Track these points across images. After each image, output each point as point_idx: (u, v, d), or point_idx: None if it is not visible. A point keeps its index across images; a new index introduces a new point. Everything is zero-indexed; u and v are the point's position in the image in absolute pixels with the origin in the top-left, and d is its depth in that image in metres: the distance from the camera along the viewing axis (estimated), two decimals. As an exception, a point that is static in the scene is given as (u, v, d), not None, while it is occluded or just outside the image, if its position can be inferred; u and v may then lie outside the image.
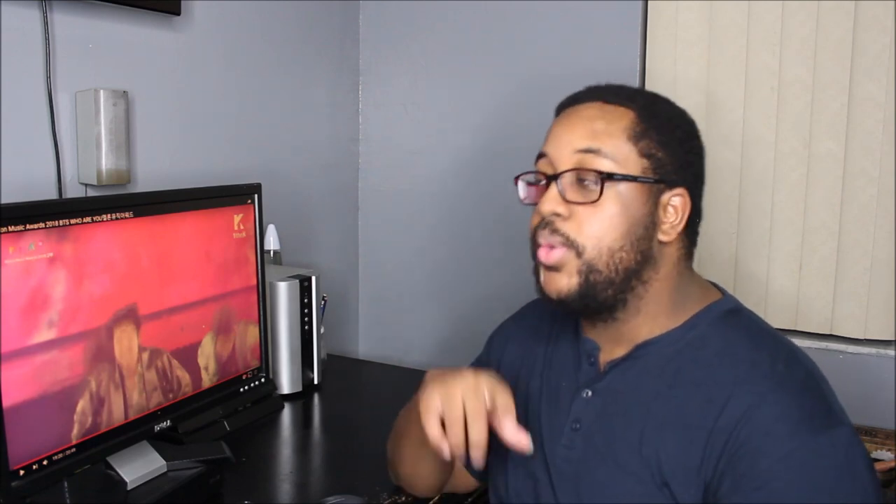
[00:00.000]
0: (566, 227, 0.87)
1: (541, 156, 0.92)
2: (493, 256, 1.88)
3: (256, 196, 1.29)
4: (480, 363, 1.15)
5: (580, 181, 0.87)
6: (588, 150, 0.86)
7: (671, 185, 0.88)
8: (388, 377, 1.78)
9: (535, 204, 0.91)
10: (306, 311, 1.55)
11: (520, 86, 1.80)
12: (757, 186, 1.59)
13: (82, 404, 0.99)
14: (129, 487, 1.06)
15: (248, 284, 1.28)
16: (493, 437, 1.03)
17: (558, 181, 0.88)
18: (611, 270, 0.86)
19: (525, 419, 0.99)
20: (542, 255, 0.89)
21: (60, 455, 0.97)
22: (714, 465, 0.80)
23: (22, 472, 0.92)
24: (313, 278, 1.55)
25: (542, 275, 0.90)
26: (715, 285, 0.97)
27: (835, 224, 1.54)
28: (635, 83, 1.66)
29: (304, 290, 1.54)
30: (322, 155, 1.91)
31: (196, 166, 1.55)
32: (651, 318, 0.90)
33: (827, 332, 1.58)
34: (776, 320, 1.57)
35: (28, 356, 0.92)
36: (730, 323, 0.90)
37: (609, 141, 0.86)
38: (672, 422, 0.84)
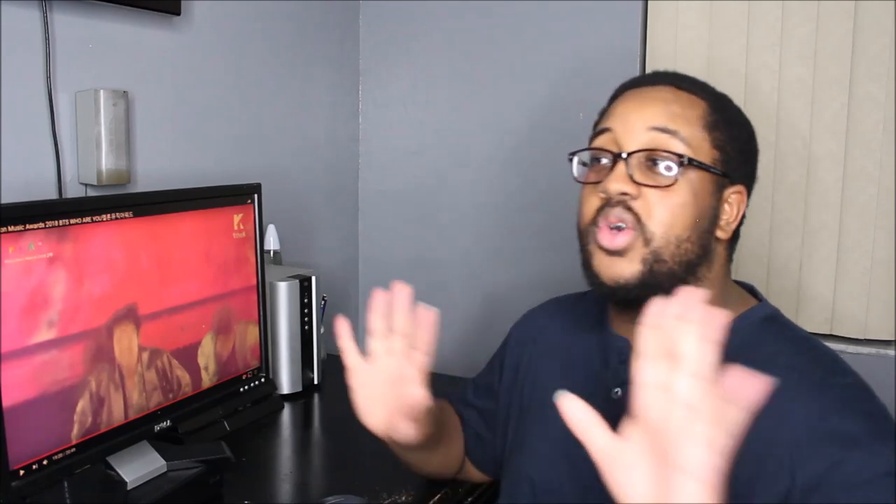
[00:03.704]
0: (638, 206, 0.82)
1: (601, 132, 0.87)
2: (493, 256, 1.88)
3: (256, 196, 1.28)
4: (499, 357, 1.12)
5: (651, 163, 0.83)
6: (664, 130, 0.83)
7: (733, 181, 0.87)
8: (388, 377, 1.77)
9: (591, 182, 0.87)
10: (306, 311, 1.55)
11: (520, 86, 1.80)
12: (757, 186, 1.58)
13: (82, 404, 0.99)
14: (129, 487, 1.06)
15: (248, 284, 1.28)
16: (514, 439, 1.03)
17: (628, 160, 0.83)
18: (675, 262, 0.83)
19: (545, 417, 0.96)
20: (605, 238, 0.84)
21: (60, 455, 0.97)
22: (787, 483, 0.76)
23: (22, 472, 0.92)
24: (313, 278, 1.55)
25: (599, 259, 0.85)
26: (749, 287, 0.94)
27: (835, 224, 1.54)
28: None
29: (304, 290, 1.54)
30: (322, 155, 1.91)
31: (196, 166, 1.55)
32: None
33: (827, 332, 1.58)
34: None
35: (28, 356, 0.92)
36: (770, 330, 0.88)
37: (686, 126, 0.84)
38: None
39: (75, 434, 0.99)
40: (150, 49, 1.45)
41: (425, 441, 0.97)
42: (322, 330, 1.62)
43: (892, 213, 1.49)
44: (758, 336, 0.87)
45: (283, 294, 1.50)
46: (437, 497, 1.14)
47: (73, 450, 0.98)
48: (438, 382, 1.66)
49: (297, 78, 1.81)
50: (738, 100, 1.58)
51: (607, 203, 0.84)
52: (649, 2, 1.66)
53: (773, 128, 1.57)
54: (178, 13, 1.44)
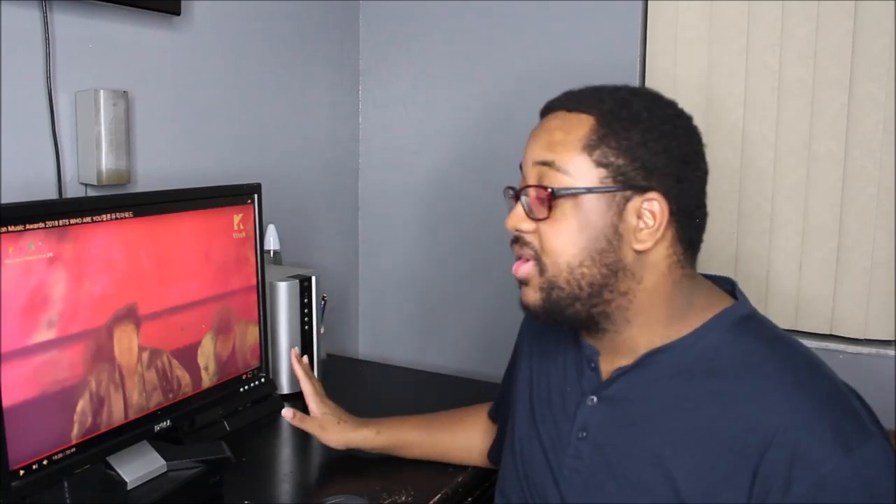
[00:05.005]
0: (535, 240, 0.87)
1: (520, 167, 0.92)
2: (492, 256, 1.88)
3: (256, 196, 1.28)
4: (515, 351, 1.16)
5: (538, 197, 0.86)
6: (544, 163, 0.86)
7: (641, 191, 0.83)
8: (388, 377, 1.78)
9: None
10: (306, 311, 1.55)
11: (520, 86, 1.80)
12: (757, 186, 1.60)
13: (82, 404, 0.99)
14: (129, 487, 1.06)
15: (248, 284, 1.28)
16: (510, 435, 1.03)
17: (522, 197, 0.88)
18: (573, 287, 0.85)
19: (532, 420, 0.98)
20: (514, 268, 0.91)
21: (60, 455, 0.97)
22: (747, 493, 0.77)
23: (22, 472, 0.92)
24: (313, 278, 1.55)
25: (521, 287, 0.92)
26: (731, 284, 0.93)
27: (835, 224, 1.54)
28: (635, 84, 1.66)
29: (304, 290, 1.54)
30: (322, 155, 1.91)
31: (196, 166, 1.55)
32: (647, 327, 0.87)
33: (827, 332, 1.58)
34: (776, 320, 1.55)
35: (28, 356, 0.92)
36: (744, 330, 0.86)
37: (563, 153, 0.85)
38: (690, 437, 0.81)
39: (75, 434, 0.99)
40: (150, 49, 1.45)
41: (384, 448, 1.21)
42: (322, 330, 1.62)
43: (892, 213, 1.49)
44: (730, 338, 0.85)
45: (283, 294, 1.50)
46: (437, 497, 1.14)
47: (73, 450, 0.98)
48: (447, 384, 1.68)
49: (297, 78, 1.81)
50: (738, 100, 1.61)
51: (513, 238, 0.90)
52: (649, 2, 1.66)
53: (773, 128, 1.57)
54: (178, 13, 1.44)
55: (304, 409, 1.51)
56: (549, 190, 0.85)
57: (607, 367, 0.91)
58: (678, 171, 0.84)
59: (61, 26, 1.28)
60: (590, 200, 0.84)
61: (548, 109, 0.91)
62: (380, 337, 2.06)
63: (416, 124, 1.94)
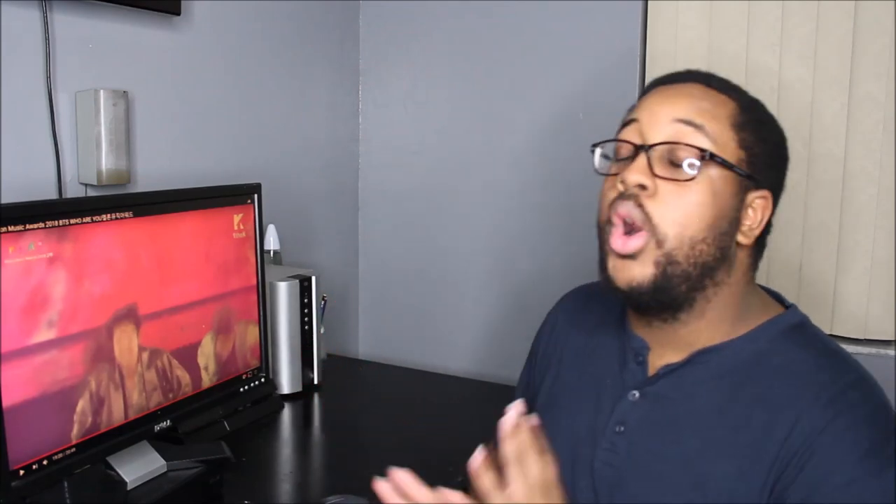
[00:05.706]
0: (650, 205, 0.80)
1: (628, 122, 0.86)
2: (493, 257, 1.88)
3: (256, 196, 1.29)
4: (534, 346, 1.09)
5: (672, 157, 0.80)
6: (689, 123, 0.81)
7: (758, 185, 0.83)
8: (388, 377, 1.78)
9: (611, 174, 0.85)
10: (306, 311, 1.55)
11: (519, 86, 1.80)
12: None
13: (82, 404, 0.99)
14: (129, 487, 1.06)
15: (248, 284, 1.28)
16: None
17: (650, 151, 0.81)
18: (689, 264, 0.80)
19: (556, 413, 0.95)
20: (618, 244, 0.82)
21: (60, 455, 0.97)
22: (770, 490, 0.76)
23: (22, 472, 0.92)
24: (313, 278, 1.55)
25: (613, 263, 0.83)
26: (779, 296, 0.92)
27: (835, 224, 1.54)
28: (635, 84, 1.66)
29: (304, 290, 1.54)
30: (322, 155, 1.91)
31: (196, 166, 1.55)
32: (714, 324, 0.85)
33: (827, 332, 1.56)
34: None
35: (28, 356, 0.92)
36: (794, 339, 0.84)
37: (713, 122, 0.81)
38: (729, 442, 0.80)
39: (75, 434, 0.99)
40: (150, 49, 1.45)
41: None
42: (322, 330, 1.62)
43: (892, 213, 1.49)
44: (779, 345, 0.84)
45: (283, 294, 1.50)
46: (437, 497, 1.14)
47: (73, 450, 0.98)
48: (447, 384, 1.68)
49: (297, 78, 1.81)
50: (738, 100, 1.60)
51: (621, 196, 0.82)
52: (649, 2, 1.66)
53: (773, 128, 1.57)
54: (178, 13, 1.44)
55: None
56: (704, 152, 0.80)
57: (654, 361, 0.88)
58: (782, 178, 0.87)
59: (61, 26, 1.28)
60: (725, 177, 0.81)
61: (674, 79, 0.88)
62: (380, 337, 2.06)
63: (416, 124, 1.94)
